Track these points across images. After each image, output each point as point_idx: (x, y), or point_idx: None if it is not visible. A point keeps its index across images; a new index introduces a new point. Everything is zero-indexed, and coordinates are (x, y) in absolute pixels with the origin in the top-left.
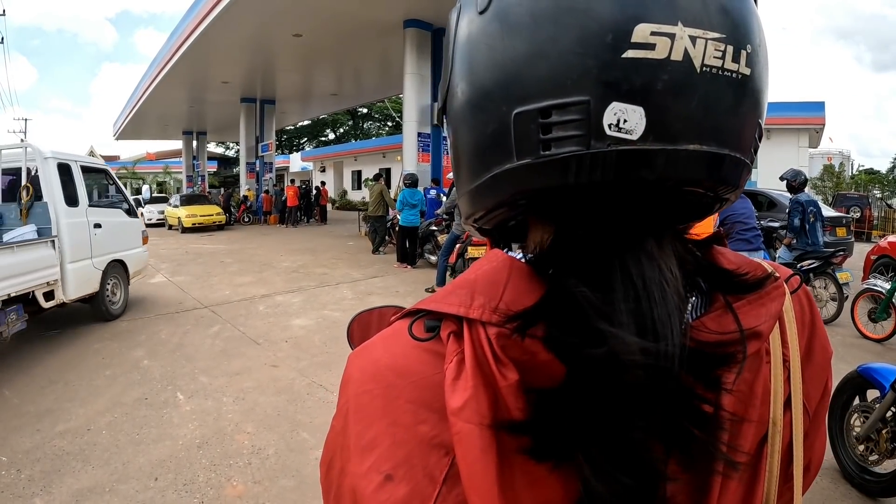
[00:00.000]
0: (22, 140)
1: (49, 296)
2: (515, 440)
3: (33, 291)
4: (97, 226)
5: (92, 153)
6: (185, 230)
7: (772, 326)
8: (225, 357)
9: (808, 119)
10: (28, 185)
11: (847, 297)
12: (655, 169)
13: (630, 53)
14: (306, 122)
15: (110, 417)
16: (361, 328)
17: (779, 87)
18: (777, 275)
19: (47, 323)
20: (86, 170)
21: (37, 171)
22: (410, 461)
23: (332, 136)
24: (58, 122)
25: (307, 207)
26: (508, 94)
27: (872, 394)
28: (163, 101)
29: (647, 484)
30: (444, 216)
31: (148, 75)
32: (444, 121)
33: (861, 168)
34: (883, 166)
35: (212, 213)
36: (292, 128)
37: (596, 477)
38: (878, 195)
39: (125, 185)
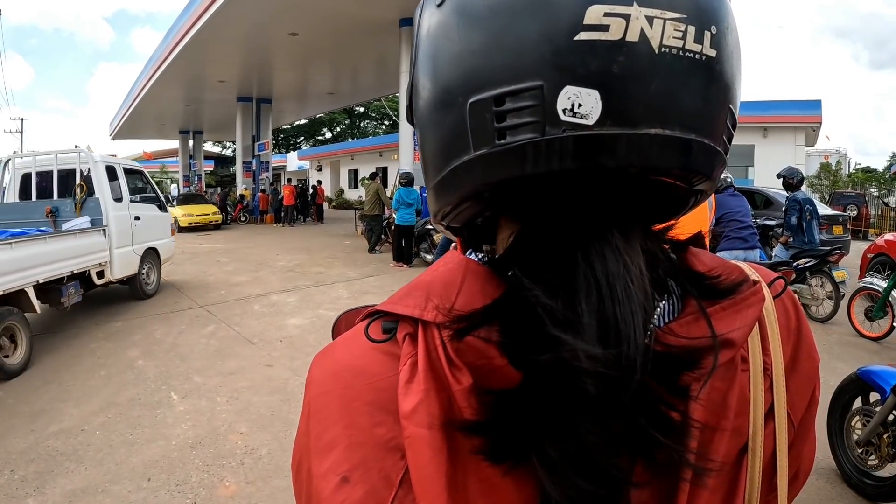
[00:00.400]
0: (76, 146)
1: (100, 275)
2: (469, 442)
3: (88, 270)
4: (137, 218)
5: None
6: (181, 229)
7: (746, 334)
8: (219, 357)
9: (804, 117)
10: (82, 183)
11: (844, 295)
12: (616, 155)
13: (583, 35)
14: (303, 121)
15: (104, 417)
16: (348, 327)
17: (776, 85)
18: (756, 278)
19: (44, 325)
20: (127, 171)
21: (89, 171)
22: (367, 463)
23: (328, 134)
24: (55, 122)
25: (303, 206)
26: (465, 84)
27: (876, 395)
28: (159, 100)
29: (606, 489)
30: None
31: (144, 74)
32: (413, 119)
33: (858, 166)
34: (880, 164)
35: (208, 212)
36: (289, 127)
37: (552, 480)
38: (874, 193)
39: None
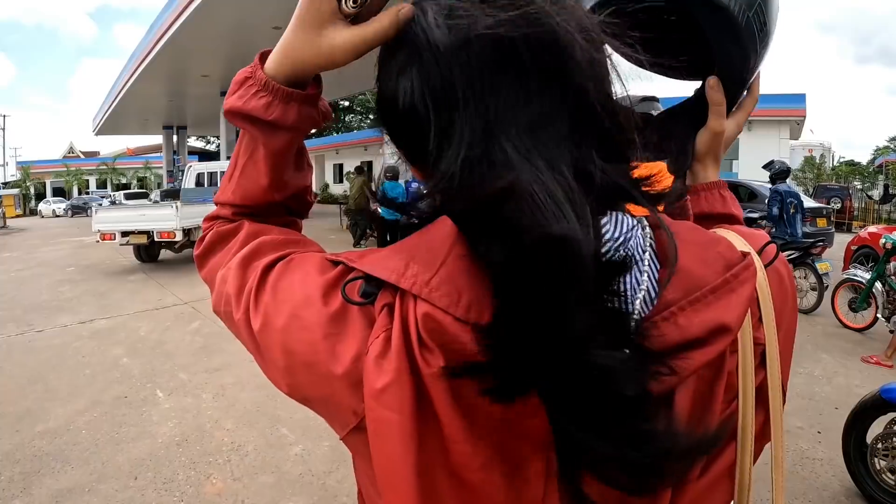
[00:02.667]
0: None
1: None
2: (441, 430)
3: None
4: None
5: (72, 149)
6: None
7: (742, 316)
8: (205, 353)
9: (789, 111)
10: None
11: (827, 287)
12: None
13: None
14: None
15: (90, 416)
16: None
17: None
18: (745, 249)
19: (28, 322)
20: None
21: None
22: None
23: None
24: (37, 118)
25: None
26: None
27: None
28: (142, 95)
29: (620, 404)
30: None
31: (127, 69)
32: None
33: (841, 160)
34: (864, 158)
35: None
36: None
37: (561, 411)
38: (858, 186)
39: (106, 182)
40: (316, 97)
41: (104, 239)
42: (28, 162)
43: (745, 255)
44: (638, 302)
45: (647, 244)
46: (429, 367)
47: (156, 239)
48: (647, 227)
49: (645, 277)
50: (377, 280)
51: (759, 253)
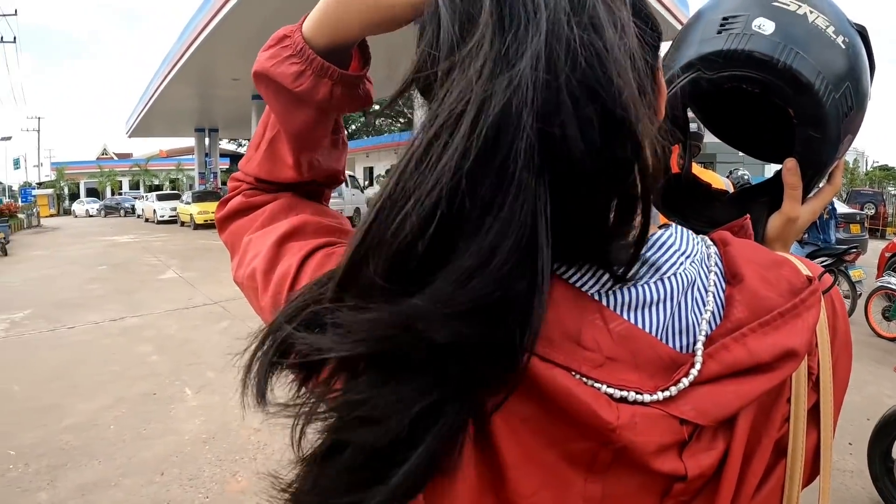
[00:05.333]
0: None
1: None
2: (497, 456)
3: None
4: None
5: (105, 151)
6: (196, 227)
7: (810, 341)
8: (232, 352)
9: None
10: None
11: (860, 294)
12: None
13: None
14: None
15: (117, 412)
16: None
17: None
18: (808, 273)
19: (58, 319)
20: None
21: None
22: None
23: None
24: (71, 120)
25: None
26: None
27: None
28: (174, 98)
29: None
30: None
31: (159, 73)
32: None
33: (875, 164)
34: None
35: None
36: None
37: None
38: (892, 192)
39: (139, 183)
40: (358, 79)
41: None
42: (62, 163)
43: (810, 280)
44: (704, 322)
45: (713, 261)
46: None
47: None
48: (711, 243)
49: (711, 297)
50: None
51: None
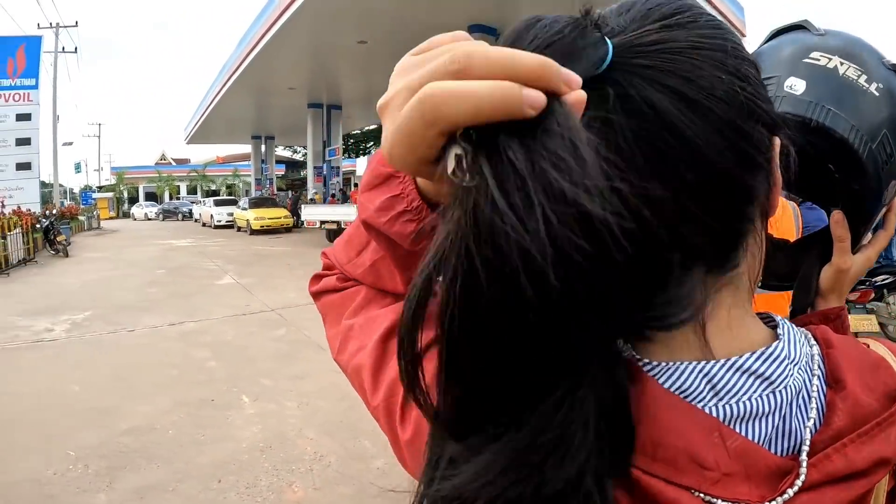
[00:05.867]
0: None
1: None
2: None
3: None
4: None
5: (163, 157)
6: (253, 232)
7: None
8: (288, 360)
9: None
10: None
11: None
12: None
13: None
14: (372, 126)
15: (175, 416)
16: None
17: None
18: None
19: (117, 321)
20: None
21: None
22: None
23: None
24: (131, 126)
25: None
26: None
27: None
28: (231, 106)
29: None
30: None
31: (217, 81)
32: None
33: None
34: None
35: (279, 216)
36: (359, 132)
37: None
38: None
39: (196, 188)
40: None
41: (308, 225)
42: (122, 167)
43: None
44: (807, 431)
45: (816, 363)
46: None
47: (342, 226)
48: (815, 343)
49: (814, 404)
50: None
51: None
